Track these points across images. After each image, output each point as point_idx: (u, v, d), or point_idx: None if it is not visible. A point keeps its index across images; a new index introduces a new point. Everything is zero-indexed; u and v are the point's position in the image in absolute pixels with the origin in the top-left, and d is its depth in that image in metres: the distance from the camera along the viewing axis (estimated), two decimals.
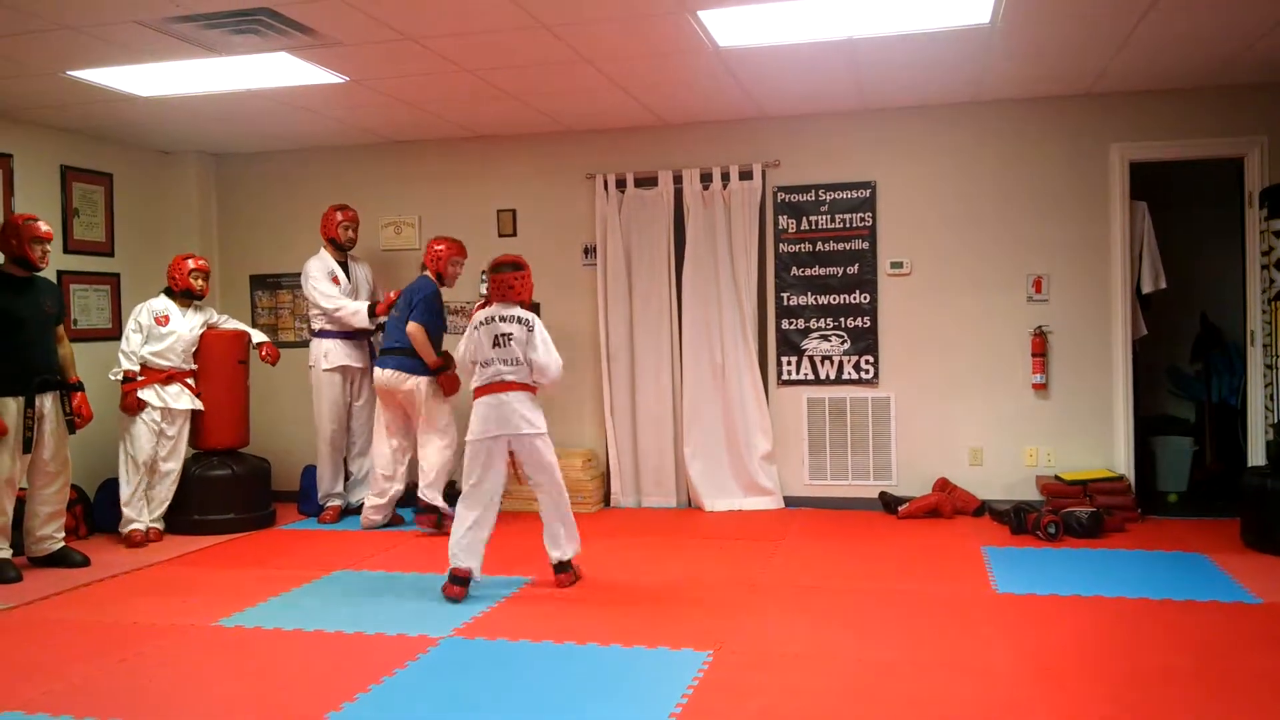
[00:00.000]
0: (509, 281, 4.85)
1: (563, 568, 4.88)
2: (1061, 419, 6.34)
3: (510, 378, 4.74)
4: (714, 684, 3.51)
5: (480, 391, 4.76)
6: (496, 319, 4.80)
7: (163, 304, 6.24)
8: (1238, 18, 4.79)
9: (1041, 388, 6.33)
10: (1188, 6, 4.62)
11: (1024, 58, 5.42)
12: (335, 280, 6.59)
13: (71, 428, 5.50)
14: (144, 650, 4.06)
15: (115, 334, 6.77)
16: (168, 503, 6.20)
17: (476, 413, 4.76)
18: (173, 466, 6.18)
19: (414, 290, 6.19)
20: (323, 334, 6.59)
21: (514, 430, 4.72)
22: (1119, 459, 6.23)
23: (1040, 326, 6.32)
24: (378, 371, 6.22)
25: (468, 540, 4.69)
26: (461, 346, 4.90)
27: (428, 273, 6.30)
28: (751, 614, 4.36)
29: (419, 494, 6.19)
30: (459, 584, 4.65)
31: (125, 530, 6.04)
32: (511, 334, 4.75)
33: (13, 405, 5.19)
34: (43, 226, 5.33)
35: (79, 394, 5.54)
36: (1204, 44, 5.21)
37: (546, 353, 4.78)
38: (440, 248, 6.29)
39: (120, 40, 4.74)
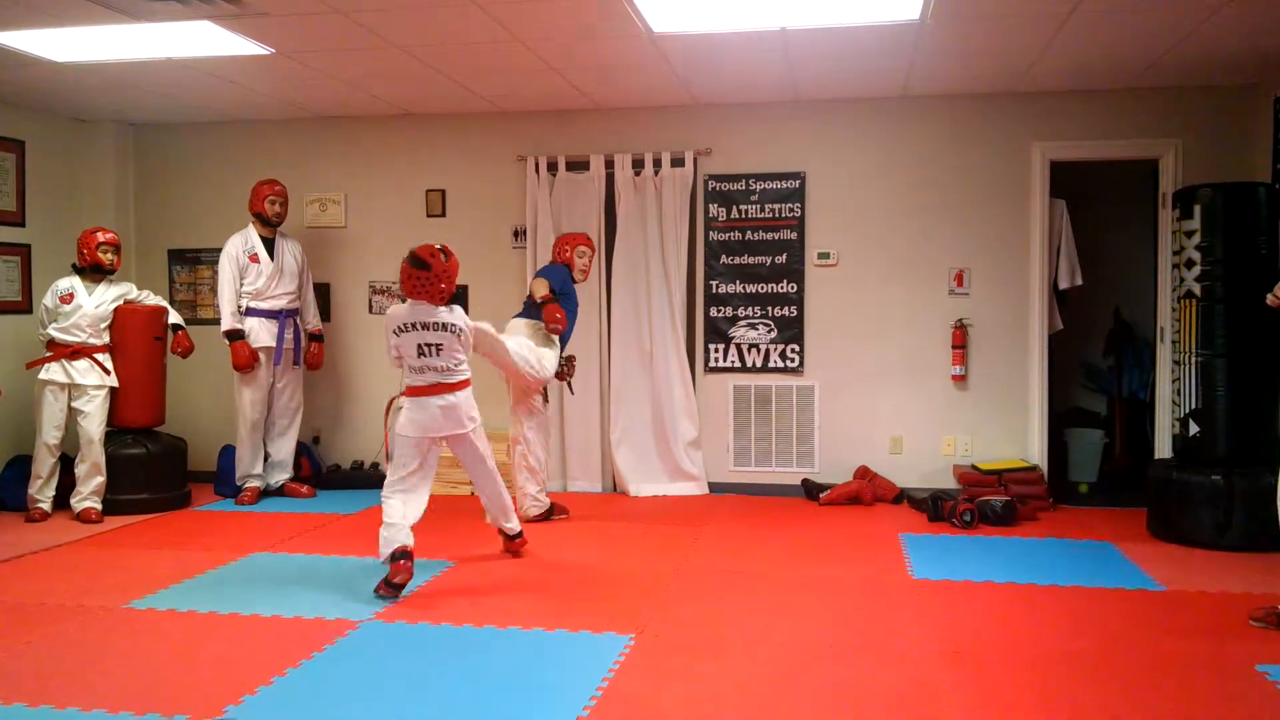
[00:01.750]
0: (424, 282, 4.50)
1: (517, 535, 5.06)
2: (979, 410, 6.49)
3: (456, 378, 4.62)
4: (635, 667, 3.53)
5: (419, 391, 4.58)
6: (418, 326, 4.54)
7: (67, 283, 6.06)
8: (1156, 25, 4.94)
9: (961, 379, 6.47)
10: (1109, 12, 4.75)
11: (951, 55, 5.51)
12: (255, 258, 6.44)
13: None
14: (51, 632, 3.95)
15: (26, 307, 6.56)
16: (99, 480, 6.00)
17: (416, 410, 4.59)
18: (93, 443, 5.98)
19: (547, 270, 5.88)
20: (250, 312, 6.45)
21: (458, 429, 4.67)
22: (1033, 450, 6.39)
23: (961, 319, 6.45)
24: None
25: (403, 528, 4.49)
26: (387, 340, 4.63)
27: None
28: (674, 598, 4.39)
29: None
30: (407, 558, 4.38)
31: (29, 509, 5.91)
32: (440, 345, 4.55)
33: None
34: None
35: None
36: (1124, 49, 5.36)
37: (507, 351, 4.99)
38: (570, 239, 5.99)
39: (33, 2, 4.57)
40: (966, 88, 6.25)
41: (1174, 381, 5.65)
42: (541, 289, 5.62)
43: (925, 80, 6.06)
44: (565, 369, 5.94)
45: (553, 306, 5.50)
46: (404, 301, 4.62)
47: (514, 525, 5.06)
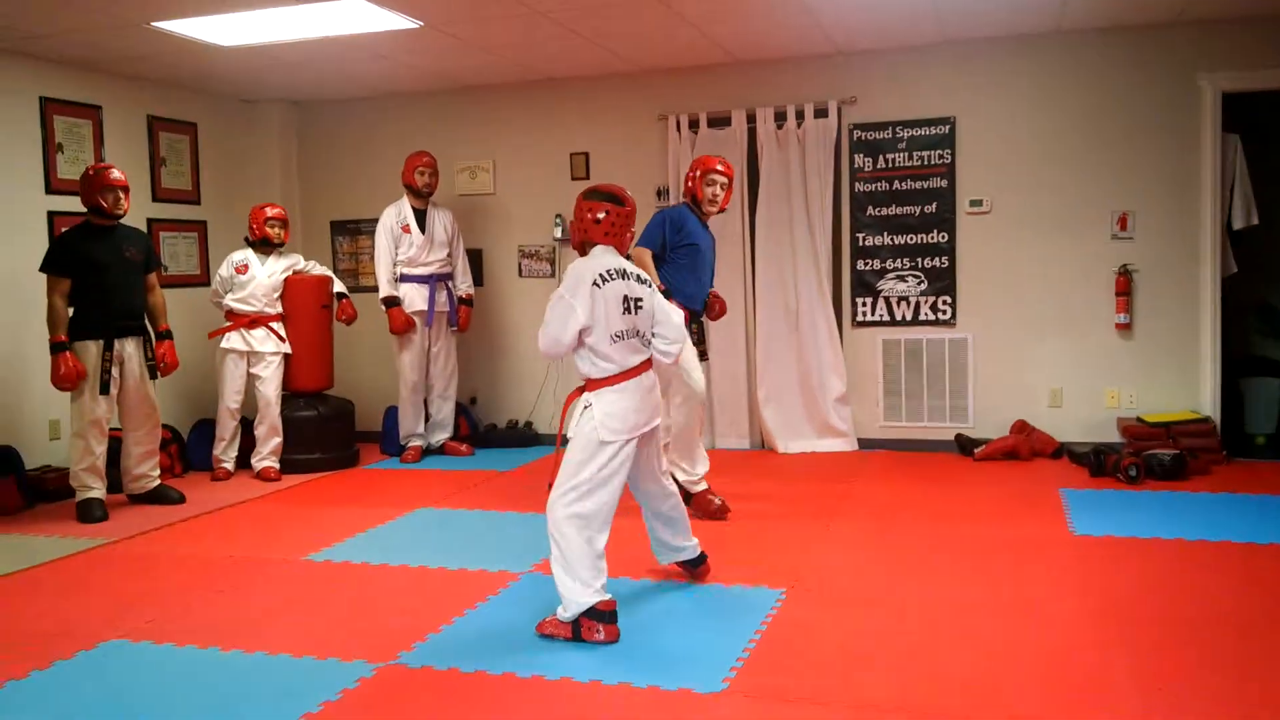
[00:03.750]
0: (623, 220, 3.65)
1: (703, 557, 4.02)
2: (1145, 360, 6.20)
3: (647, 353, 3.67)
4: (787, 621, 3.56)
5: (624, 375, 3.55)
6: (623, 275, 3.58)
7: (241, 255, 6.42)
8: None
9: (1125, 328, 6.19)
10: None
11: None
12: (406, 229, 6.68)
13: (153, 373, 5.63)
14: (238, 583, 4.24)
15: (204, 280, 6.99)
16: (277, 440, 6.37)
17: (620, 403, 3.53)
18: (270, 406, 6.34)
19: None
20: (403, 279, 6.71)
21: (656, 420, 3.70)
22: (1205, 400, 6.08)
23: (1125, 265, 6.16)
24: None
25: (600, 563, 3.50)
26: (565, 313, 3.49)
27: (684, 199, 5.16)
28: (825, 554, 4.40)
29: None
30: (614, 620, 3.45)
31: (214, 468, 6.36)
32: (642, 300, 3.60)
33: (93, 348, 5.34)
34: (114, 174, 5.38)
35: (165, 341, 5.69)
36: None
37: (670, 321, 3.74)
38: (707, 161, 5.01)
39: None
40: (1126, 18, 5.91)
41: None
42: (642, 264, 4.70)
43: (1081, 11, 5.76)
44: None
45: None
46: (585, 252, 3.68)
47: (694, 543, 4.02)
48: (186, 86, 6.95)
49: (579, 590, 3.41)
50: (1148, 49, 6.07)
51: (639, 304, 3.59)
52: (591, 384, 3.57)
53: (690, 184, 5.04)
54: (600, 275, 3.51)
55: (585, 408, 3.55)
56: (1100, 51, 6.15)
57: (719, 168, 4.98)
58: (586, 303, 3.47)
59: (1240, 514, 4.82)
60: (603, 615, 3.41)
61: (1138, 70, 6.10)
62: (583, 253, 3.68)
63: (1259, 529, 4.53)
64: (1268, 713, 2.77)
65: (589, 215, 3.62)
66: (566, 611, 3.43)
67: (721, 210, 5.08)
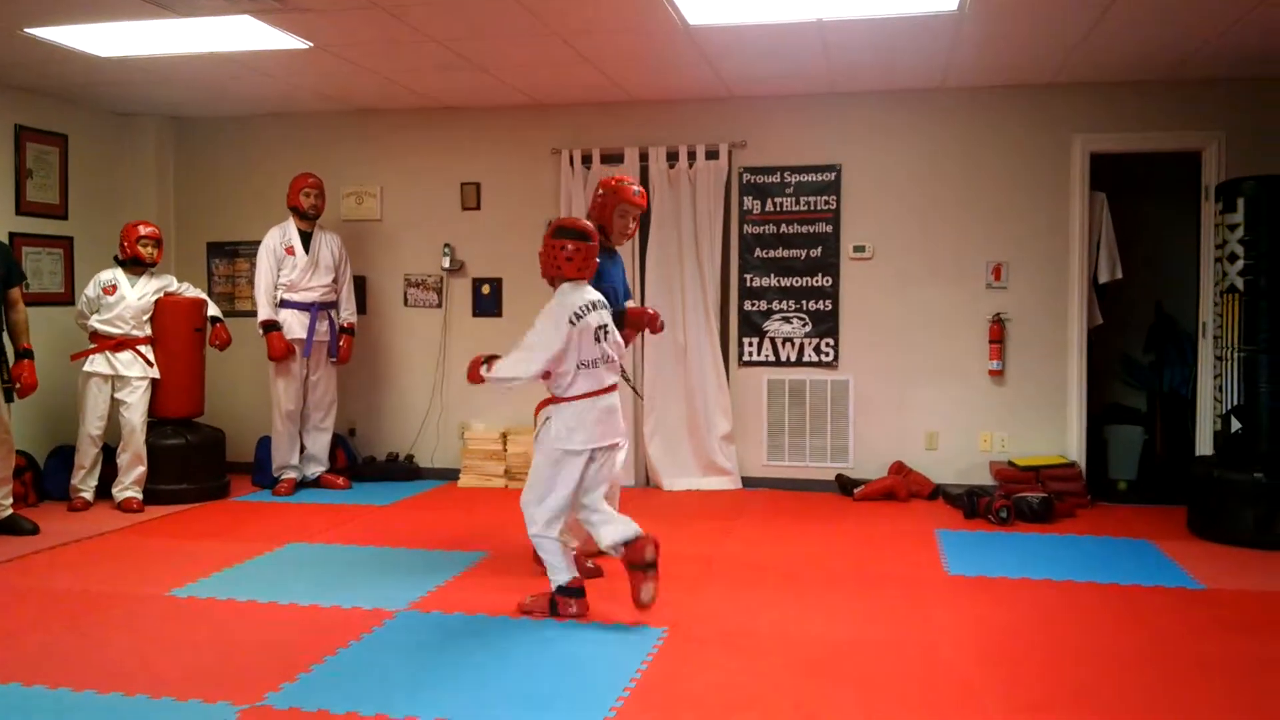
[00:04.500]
0: (589, 255, 3.99)
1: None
2: (1017, 405, 6.43)
3: (613, 377, 4.07)
4: (669, 659, 3.54)
5: (592, 392, 3.95)
6: (597, 307, 4.00)
7: (110, 274, 6.15)
8: (1199, 15, 4.86)
9: (998, 374, 6.41)
10: (1151, 1, 4.67)
11: (991, 45, 5.45)
12: (290, 251, 6.51)
13: (9, 395, 5.35)
14: (95, 619, 4.02)
15: (68, 299, 6.66)
16: (141, 470, 6.10)
17: (586, 417, 3.93)
18: (135, 433, 6.07)
19: None
20: (284, 304, 6.51)
21: (618, 437, 4.11)
22: (1071, 446, 6.33)
23: (999, 314, 6.39)
24: None
25: (567, 551, 4.07)
26: (541, 341, 3.89)
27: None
28: (707, 592, 4.40)
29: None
30: (584, 595, 4.03)
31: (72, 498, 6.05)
32: (607, 326, 4.02)
33: None
34: None
35: (24, 361, 5.41)
36: (1166, 38, 5.28)
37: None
38: (619, 185, 4.66)
39: None
40: (1005, 79, 6.19)
41: (1216, 378, 5.57)
42: None
43: (963, 71, 6.01)
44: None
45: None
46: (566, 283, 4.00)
47: (626, 532, 4.06)
48: (58, 96, 6.65)
49: (554, 574, 3.99)
50: (1025, 109, 6.35)
51: (607, 331, 4.01)
52: (553, 400, 3.97)
53: (598, 211, 4.65)
54: (575, 313, 3.89)
55: (545, 419, 3.99)
56: (981, 108, 6.41)
57: (635, 199, 4.64)
58: (561, 340, 3.86)
59: (1104, 556, 5.01)
60: (575, 592, 3.97)
61: (1014, 128, 6.37)
62: (554, 285, 4.02)
63: (1122, 570, 4.71)
64: None
65: (561, 253, 3.96)
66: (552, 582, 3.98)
67: (623, 244, 4.84)
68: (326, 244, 6.66)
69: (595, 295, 4.06)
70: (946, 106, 6.45)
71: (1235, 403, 5.33)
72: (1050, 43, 5.37)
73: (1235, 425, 5.33)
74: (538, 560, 4.22)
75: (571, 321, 3.88)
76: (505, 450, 6.80)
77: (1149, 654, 3.61)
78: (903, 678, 3.38)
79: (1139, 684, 3.33)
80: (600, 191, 4.68)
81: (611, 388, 4.04)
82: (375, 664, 3.53)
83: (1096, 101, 6.24)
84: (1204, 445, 6.10)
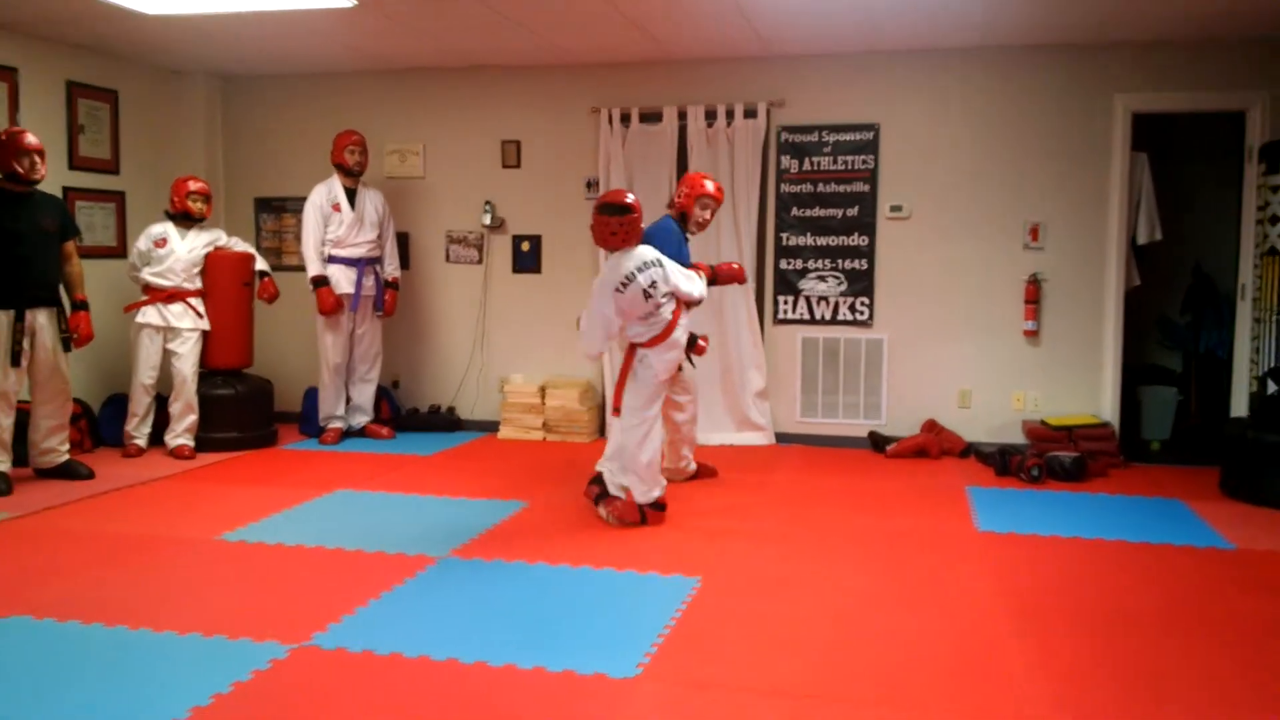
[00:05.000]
0: (630, 226, 4.55)
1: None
2: (1051, 365, 6.44)
3: (668, 319, 4.68)
4: (702, 608, 3.65)
5: (654, 342, 4.66)
6: (647, 267, 4.56)
7: (161, 228, 6.30)
8: None
9: (1033, 334, 6.42)
10: None
11: (1032, 3, 5.40)
12: (337, 207, 6.62)
13: (67, 345, 5.52)
14: (149, 561, 4.19)
15: (120, 251, 6.84)
16: (192, 418, 6.28)
17: (659, 358, 4.67)
18: (186, 383, 6.24)
19: (647, 235, 5.04)
20: (331, 259, 6.64)
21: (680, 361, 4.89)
22: (1105, 406, 6.34)
23: (1035, 274, 6.39)
24: None
25: (655, 471, 4.79)
26: (597, 323, 4.61)
27: (671, 211, 5.33)
28: (740, 545, 4.49)
29: (599, 464, 5.23)
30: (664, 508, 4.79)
31: (126, 445, 6.24)
32: (655, 283, 4.58)
33: (3, 319, 5.21)
34: (29, 138, 5.25)
35: (80, 313, 5.58)
36: None
37: (686, 280, 4.75)
38: (709, 185, 5.23)
39: None
40: (1047, 38, 6.13)
41: (1254, 339, 5.55)
42: None
43: (1005, 30, 5.95)
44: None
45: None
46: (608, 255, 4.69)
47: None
48: (109, 53, 6.78)
49: (643, 491, 4.69)
50: (1066, 68, 6.29)
51: (655, 288, 4.57)
52: (644, 345, 4.66)
53: (682, 201, 5.22)
54: (622, 280, 4.52)
55: (640, 360, 4.69)
56: (1020, 68, 6.36)
57: (713, 192, 5.21)
58: (611, 307, 4.53)
59: (1135, 515, 5.04)
60: (661, 506, 4.74)
61: (1055, 88, 6.32)
62: (608, 251, 4.65)
63: (1152, 529, 4.75)
64: (1159, 701, 2.94)
65: (605, 229, 4.54)
66: (644, 497, 4.69)
67: (699, 233, 5.38)
68: (371, 200, 6.77)
69: (647, 255, 4.61)
70: (986, 66, 6.40)
71: (1272, 365, 5.32)
72: (1092, 0, 5.31)
73: (1271, 387, 5.32)
74: (601, 501, 4.86)
75: (619, 289, 4.51)
76: (544, 403, 6.92)
77: (1178, 613, 3.66)
78: (932, 631, 3.46)
79: (1167, 643, 3.38)
80: (685, 189, 5.24)
81: (671, 326, 4.66)
82: (418, 608, 3.66)
83: (1138, 61, 6.17)
84: (1239, 407, 6.09)
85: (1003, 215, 6.44)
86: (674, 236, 5.13)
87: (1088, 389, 6.39)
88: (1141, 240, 6.39)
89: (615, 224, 4.53)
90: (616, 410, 4.79)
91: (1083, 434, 6.08)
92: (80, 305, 5.60)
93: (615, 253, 4.62)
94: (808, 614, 3.61)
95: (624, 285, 4.53)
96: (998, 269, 6.46)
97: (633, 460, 4.70)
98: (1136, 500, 5.36)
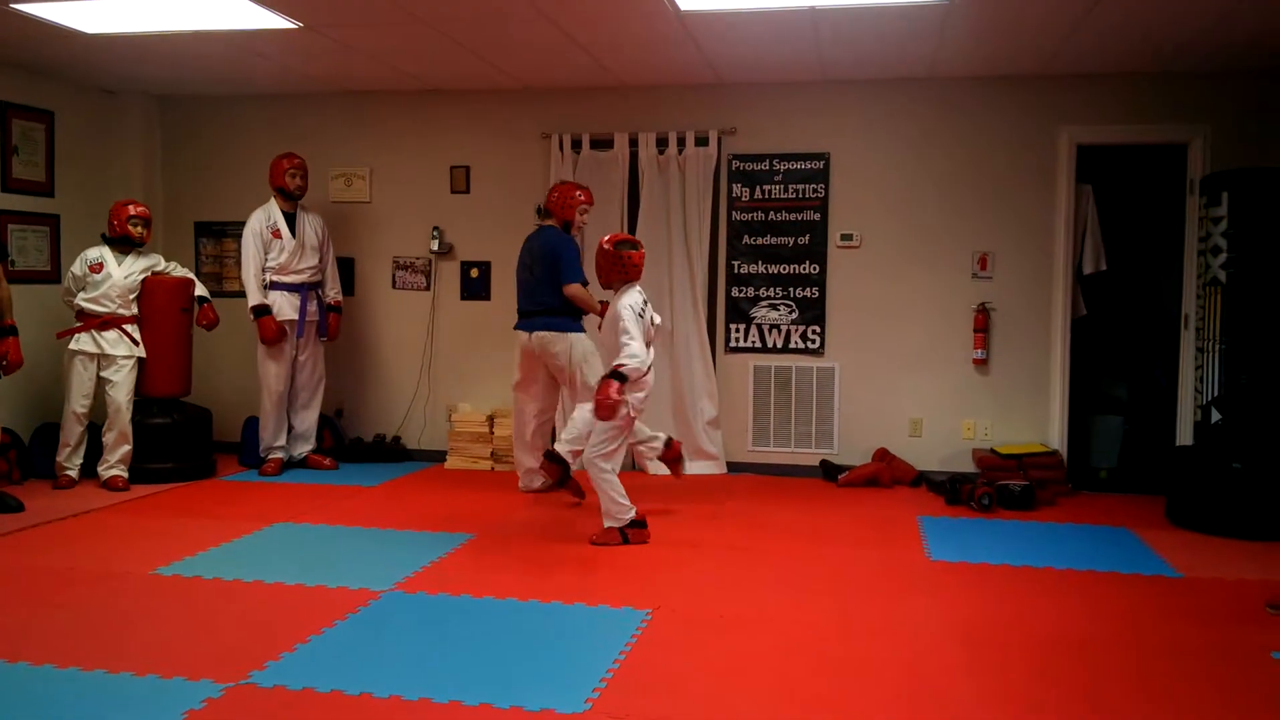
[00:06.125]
0: (635, 260, 4.96)
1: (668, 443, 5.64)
2: (1000, 394, 6.48)
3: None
4: (652, 641, 3.57)
5: (647, 371, 4.94)
6: (646, 303, 5.00)
7: (97, 252, 6.15)
8: (1188, 7, 4.89)
9: (982, 363, 6.46)
10: None
11: (980, 36, 5.47)
12: (276, 234, 6.49)
13: None
14: (79, 596, 4.03)
15: (54, 276, 6.64)
16: (126, 448, 6.09)
17: (632, 396, 4.89)
18: (121, 412, 6.06)
19: (553, 245, 5.71)
20: (273, 286, 6.50)
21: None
22: (1053, 434, 6.39)
23: (983, 303, 6.43)
24: (520, 335, 5.80)
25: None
26: (637, 332, 4.83)
27: (551, 221, 5.85)
28: (691, 576, 4.43)
29: (556, 445, 5.73)
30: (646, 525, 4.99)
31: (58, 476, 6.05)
32: (652, 316, 5.04)
33: None
34: None
35: (9, 338, 5.39)
36: (1154, 31, 5.30)
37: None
38: (579, 194, 5.82)
39: None
40: (994, 70, 6.21)
41: (1197, 369, 5.63)
42: (596, 308, 5.66)
43: (953, 62, 6.03)
44: None
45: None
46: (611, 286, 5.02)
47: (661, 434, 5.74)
48: (45, 73, 6.61)
49: (623, 510, 4.89)
50: (1013, 100, 6.37)
51: (652, 322, 5.01)
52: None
53: (563, 212, 5.77)
54: (640, 309, 4.91)
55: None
56: (969, 98, 6.43)
57: (582, 198, 5.83)
58: (640, 331, 4.85)
59: (1084, 543, 5.06)
60: (641, 523, 4.92)
61: (1002, 118, 6.40)
62: (614, 288, 4.99)
63: (1101, 558, 4.77)
64: None
65: (628, 262, 4.93)
66: (618, 523, 4.90)
67: None
68: (310, 224, 6.64)
69: (642, 294, 5.04)
70: (935, 97, 6.47)
71: (1215, 394, 5.39)
72: (1039, 34, 5.39)
73: (1215, 416, 5.39)
74: (547, 468, 5.57)
75: (641, 314, 4.90)
76: (492, 433, 6.81)
77: (1126, 640, 3.66)
78: (883, 661, 3.42)
79: (1115, 670, 3.38)
80: (560, 199, 5.79)
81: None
82: (360, 644, 3.55)
83: (1084, 93, 6.27)
84: (1184, 435, 6.17)
85: (952, 244, 6.49)
86: (575, 247, 5.72)
87: (1036, 417, 6.44)
88: (1087, 270, 6.47)
89: (638, 257, 4.97)
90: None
91: (1032, 462, 6.11)
92: (9, 330, 5.41)
93: (625, 286, 4.97)
94: (759, 646, 3.55)
95: (642, 313, 4.93)
96: (947, 298, 6.50)
97: (605, 481, 4.89)
98: (1085, 528, 5.39)
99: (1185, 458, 5.49)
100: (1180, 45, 5.54)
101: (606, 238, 5.05)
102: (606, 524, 4.92)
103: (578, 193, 5.83)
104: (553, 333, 5.67)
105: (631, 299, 4.90)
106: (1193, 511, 5.35)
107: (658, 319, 5.12)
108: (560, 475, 5.68)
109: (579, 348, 5.69)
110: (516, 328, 5.88)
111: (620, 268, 4.94)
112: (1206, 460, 5.34)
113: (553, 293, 5.66)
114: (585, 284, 5.70)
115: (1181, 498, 5.44)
